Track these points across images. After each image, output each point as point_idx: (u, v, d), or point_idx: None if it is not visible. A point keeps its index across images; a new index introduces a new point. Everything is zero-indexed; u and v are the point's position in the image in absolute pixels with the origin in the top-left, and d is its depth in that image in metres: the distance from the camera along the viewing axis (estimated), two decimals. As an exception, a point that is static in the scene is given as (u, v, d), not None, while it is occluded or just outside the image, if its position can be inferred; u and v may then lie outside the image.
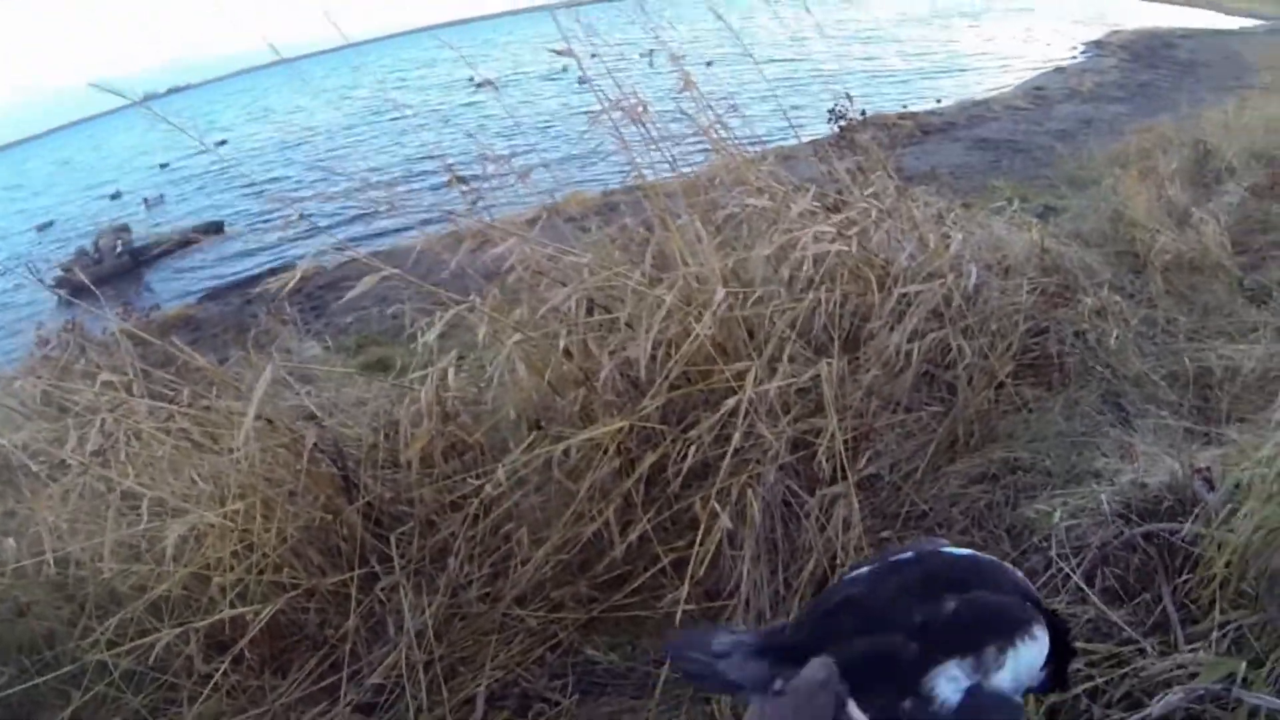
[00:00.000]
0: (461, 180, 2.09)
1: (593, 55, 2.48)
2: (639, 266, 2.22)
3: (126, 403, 2.21)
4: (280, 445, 2.16)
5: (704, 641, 0.84)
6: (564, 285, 2.14)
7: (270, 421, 2.13)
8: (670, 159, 2.35)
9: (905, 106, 12.69)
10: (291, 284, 2.03)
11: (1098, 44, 20.07)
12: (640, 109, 2.18)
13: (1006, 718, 0.64)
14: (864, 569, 0.87)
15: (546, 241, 2.16)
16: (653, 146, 2.26)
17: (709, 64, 3.67)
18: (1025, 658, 0.65)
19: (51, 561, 2.37)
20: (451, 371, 2.04)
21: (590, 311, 2.22)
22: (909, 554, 0.81)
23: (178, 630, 2.30)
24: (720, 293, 2.12)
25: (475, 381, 2.24)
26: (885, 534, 2.58)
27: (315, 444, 2.10)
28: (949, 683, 0.63)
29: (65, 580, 2.59)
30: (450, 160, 2.27)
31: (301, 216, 2.07)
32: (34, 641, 2.71)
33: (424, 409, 2.02)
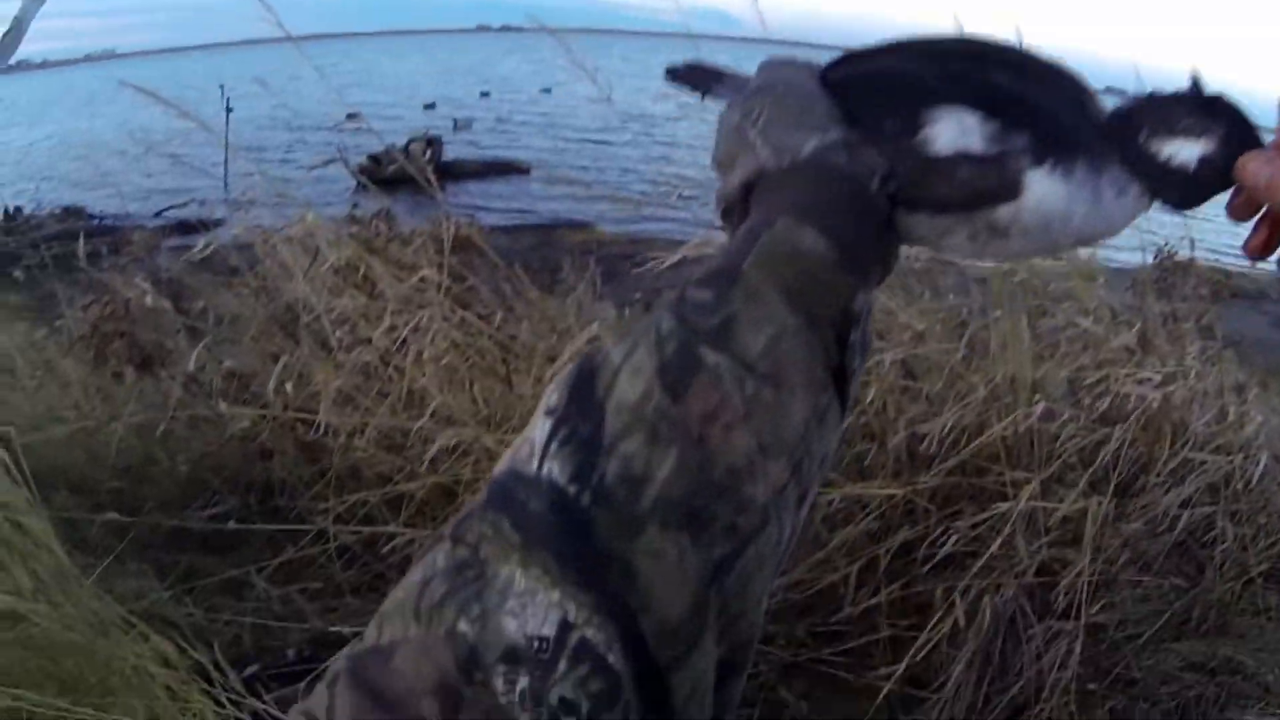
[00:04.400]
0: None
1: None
2: (958, 349, 2.21)
3: (443, 305, 2.35)
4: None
5: (718, 72, 0.68)
6: (882, 340, 2.15)
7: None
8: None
9: (1217, 260, 11.95)
10: (675, 259, 2.09)
11: None
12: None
13: (993, 179, 0.51)
14: None
15: (886, 295, 2.18)
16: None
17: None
18: (1054, 192, 0.51)
19: (323, 426, 2.55)
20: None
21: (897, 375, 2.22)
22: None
23: (410, 534, 2.43)
24: (1040, 407, 2.10)
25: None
26: (1091, 686, 2.50)
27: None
28: (954, 127, 0.51)
29: (317, 444, 2.79)
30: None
31: (680, 196, 2.14)
32: (268, 486, 2.93)
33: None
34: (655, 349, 0.44)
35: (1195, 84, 0.55)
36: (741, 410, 0.43)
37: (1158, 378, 2.34)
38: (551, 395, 0.44)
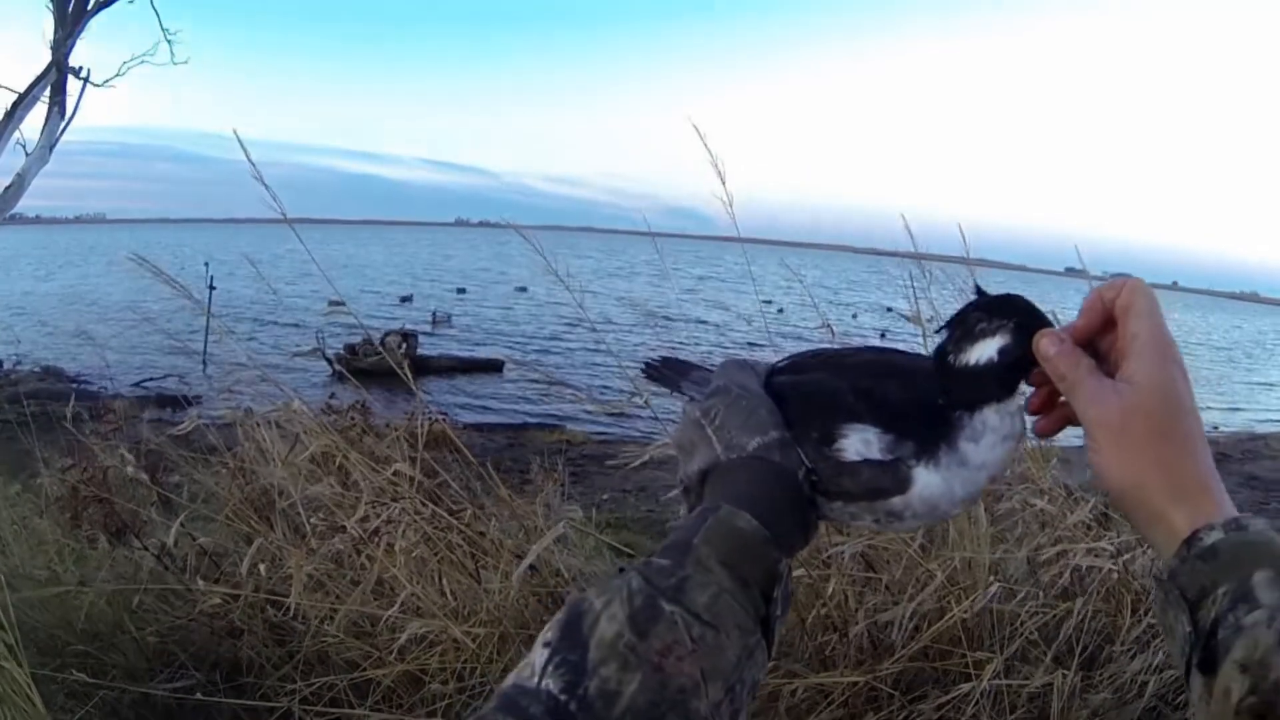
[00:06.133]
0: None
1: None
2: (916, 538, 2.26)
3: (415, 499, 2.40)
4: (535, 594, 2.29)
5: (684, 366, 0.85)
6: (844, 536, 2.21)
7: (535, 570, 2.26)
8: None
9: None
10: (641, 460, 2.16)
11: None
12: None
13: (888, 480, 0.65)
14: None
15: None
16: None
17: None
18: (931, 483, 0.65)
19: (294, 608, 2.55)
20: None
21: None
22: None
23: (376, 718, 2.42)
24: (994, 588, 2.14)
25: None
26: None
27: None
28: (859, 441, 0.65)
29: (284, 625, 2.79)
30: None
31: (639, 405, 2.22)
32: (236, 663, 2.91)
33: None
34: (627, 601, 0.58)
35: (980, 292, 0.69)
36: (690, 647, 0.57)
37: (1114, 549, 2.39)
38: (548, 632, 0.59)
